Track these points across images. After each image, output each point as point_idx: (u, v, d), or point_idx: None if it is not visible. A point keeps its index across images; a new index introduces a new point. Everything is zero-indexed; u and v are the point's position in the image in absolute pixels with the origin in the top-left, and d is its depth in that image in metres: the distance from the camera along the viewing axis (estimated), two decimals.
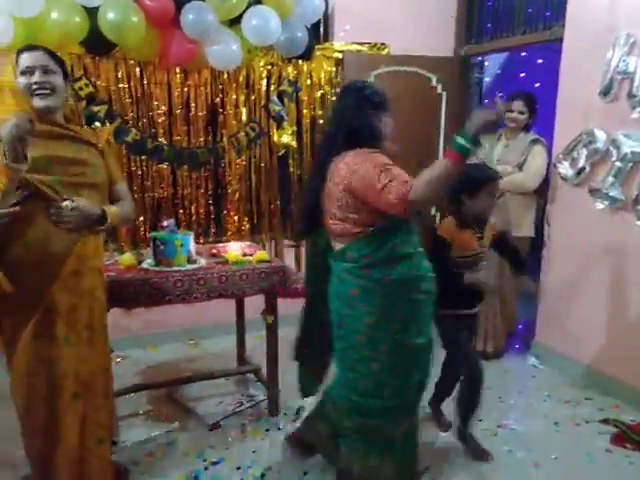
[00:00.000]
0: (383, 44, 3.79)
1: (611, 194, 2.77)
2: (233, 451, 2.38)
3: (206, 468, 2.26)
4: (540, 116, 3.39)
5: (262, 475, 2.21)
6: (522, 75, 5.46)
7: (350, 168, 1.69)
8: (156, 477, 2.19)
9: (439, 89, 3.89)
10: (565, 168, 3.03)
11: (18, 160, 1.53)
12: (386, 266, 1.73)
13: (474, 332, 2.63)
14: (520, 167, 3.19)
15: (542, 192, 3.24)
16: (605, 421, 2.61)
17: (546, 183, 3.22)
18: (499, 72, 5.83)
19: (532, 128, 3.35)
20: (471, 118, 1.52)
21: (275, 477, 2.20)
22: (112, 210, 1.84)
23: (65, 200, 1.69)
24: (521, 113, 3.21)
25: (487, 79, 6.06)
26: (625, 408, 2.75)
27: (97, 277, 1.85)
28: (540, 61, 4.77)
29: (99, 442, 1.84)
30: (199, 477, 2.20)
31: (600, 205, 2.83)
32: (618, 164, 2.70)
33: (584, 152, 2.89)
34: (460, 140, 1.50)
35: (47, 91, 1.69)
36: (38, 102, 1.70)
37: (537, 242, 3.31)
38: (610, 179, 2.75)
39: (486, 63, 5.88)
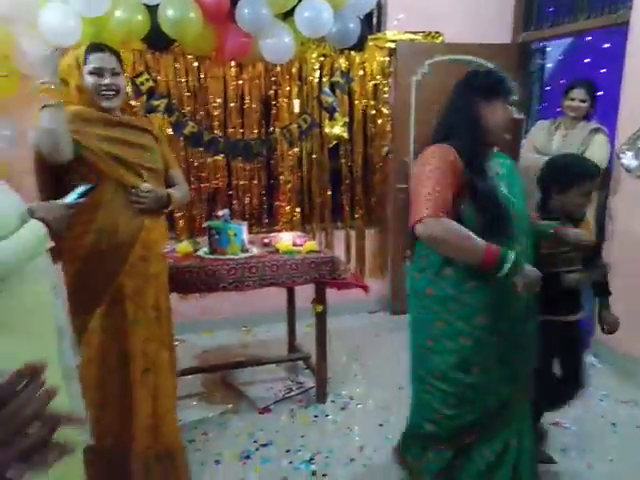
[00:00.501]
0: (437, 32, 3.73)
1: None
2: (282, 435, 2.46)
3: (257, 449, 2.35)
4: (604, 104, 3.23)
5: (310, 459, 2.27)
6: (587, 61, 5.21)
7: (416, 165, 1.64)
8: (210, 455, 2.30)
9: None
10: (628, 159, 2.88)
11: (59, 150, 1.66)
12: (434, 276, 1.63)
13: (577, 342, 2.10)
14: None
15: (601, 184, 3.09)
16: None
17: (607, 175, 3.07)
18: (561, 58, 5.58)
19: (593, 117, 3.19)
20: (525, 274, 1.49)
21: (323, 462, 2.26)
22: (173, 194, 1.95)
23: (144, 182, 1.82)
24: (582, 101, 3.03)
25: (549, 65, 5.83)
26: None
27: (161, 262, 1.97)
28: (606, 46, 4.54)
29: (168, 412, 1.98)
30: (250, 457, 2.29)
31: None
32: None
33: None
34: (508, 261, 1.46)
35: (113, 92, 1.81)
36: (106, 103, 1.81)
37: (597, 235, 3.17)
38: None
39: (548, 49, 5.67)
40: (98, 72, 1.78)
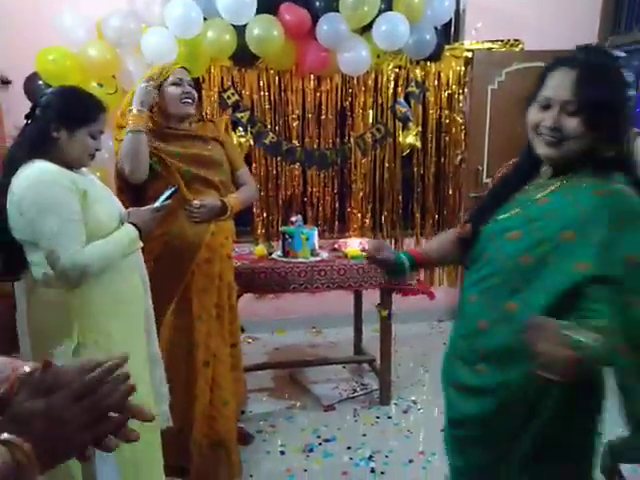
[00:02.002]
0: (517, 40, 3.69)
1: None
2: (345, 432, 2.57)
3: (320, 444, 2.48)
4: None
5: (370, 457, 2.37)
6: None
7: None
8: (275, 445, 2.46)
9: None
10: None
11: (139, 171, 1.90)
12: None
13: None
14: None
15: None
16: None
17: None
18: None
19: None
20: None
21: (382, 460, 2.34)
22: (232, 199, 2.11)
23: (194, 200, 2.00)
24: None
25: None
26: None
27: (225, 262, 2.13)
28: None
29: (224, 404, 2.12)
30: (313, 450, 2.42)
31: None
32: None
33: None
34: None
35: (191, 100, 2.02)
36: (185, 108, 2.01)
37: None
38: None
39: None
40: (179, 82, 1.99)
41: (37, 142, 1.45)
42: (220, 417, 2.09)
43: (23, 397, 0.57)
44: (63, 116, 1.46)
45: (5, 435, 0.53)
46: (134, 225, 1.56)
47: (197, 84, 3.25)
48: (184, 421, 2.07)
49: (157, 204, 1.69)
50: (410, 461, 2.33)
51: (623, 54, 3.44)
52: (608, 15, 3.75)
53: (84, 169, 1.58)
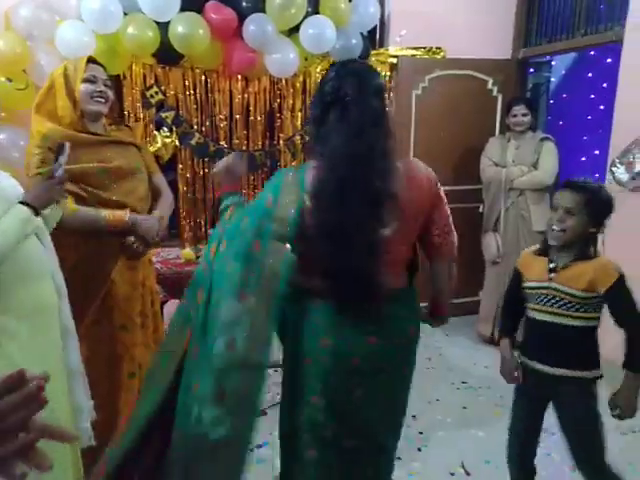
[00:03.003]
0: (439, 48, 3.84)
1: None
2: (276, 436, 2.54)
3: (251, 450, 2.43)
4: (606, 118, 3.37)
5: None
6: (589, 75, 5.30)
7: None
8: None
9: (495, 92, 3.89)
10: (620, 173, 2.97)
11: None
12: None
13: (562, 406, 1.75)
14: (534, 165, 3.32)
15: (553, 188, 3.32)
16: None
17: (557, 181, 3.32)
18: (565, 72, 5.67)
19: (536, 128, 3.55)
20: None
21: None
22: (162, 216, 2.04)
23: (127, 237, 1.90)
24: (524, 115, 3.34)
25: (554, 79, 5.93)
26: None
27: (147, 268, 2.07)
28: (609, 60, 4.62)
29: None
30: None
31: None
32: None
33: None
34: None
35: (103, 99, 1.91)
36: (97, 106, 1.89)
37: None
38: None
39: (553, 63, 5.76)
40: (93, 80, 1.88)
41: None
42: None
43: None
44: None
45: None
46: (26, 204, 1.41)
47: (117, 81, 3.12)
48: (106, 437, 1.97)
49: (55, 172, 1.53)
50: None
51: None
52: (520, 28, 3.99)
53: None
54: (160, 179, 2.20)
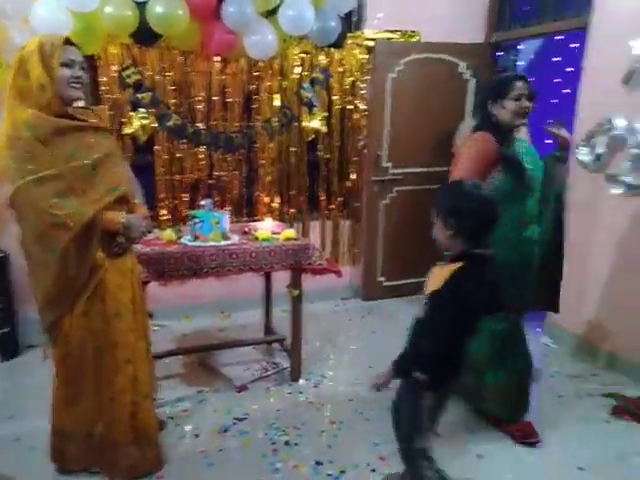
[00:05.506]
0: (414, 31, 3.90)
1: (627, 180, 2.85)
2: (258, 410, 2.64)
3: (234, 423, 2.53)
4: (571, 101, 3.48)
5: (283, 431, 2.47)
6: (556, 59, 5.46)
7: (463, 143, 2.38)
8: (189, 429, 2.47)
9: (467, 75, 3.99)
10: (584, 155, 3.09)
11: None
12: None
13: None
14: None
15: None
16: (608, 395, 2.77)
17: None
18: (533, 57, 5.81)
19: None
20: None
21: (295, 433, 2.45)
22: (143, 210, 2.09)
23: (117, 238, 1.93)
24: None
25: (521, 63, 6.07)
26: (629, 384, 2.90)
27: (133, 255, 2.10)
28: (574, 46, 4.76)
29: (145, 397, 2.10)
30: (228, 430, 2.47)
31: (617, 191, 2.90)
32: (635, 151, 2.76)
33: (604, 139, 2.96)
34: None
35: (80, 85, 1.85)
36: (73, 92, 1.83)
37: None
38: (627, 166, 2.82)
39: (520, 47, 5.89)
40: (70, 64, 1.81)
41: None
42: (142, 411, 2.08)
43: None
44: None
45: None
46: None
47: (92, 61, 3.09)
48: (93, 425, 2.03)
49: None
50: (322, 431, 2.47)
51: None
52: (493, 14, 4.08)
53: None
54: (127, 166, 2.22)
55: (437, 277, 1.65)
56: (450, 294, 1.58)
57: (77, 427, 2.04)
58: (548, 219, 2.34)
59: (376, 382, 1.80)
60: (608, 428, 2.53)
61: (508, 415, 2.43)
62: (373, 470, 2.20)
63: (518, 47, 5.85)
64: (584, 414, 2.63)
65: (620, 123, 2.87)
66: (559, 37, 5.00)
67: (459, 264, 1.62)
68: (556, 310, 2.55)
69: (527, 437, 2.39)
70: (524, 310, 2.41)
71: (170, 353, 2.94)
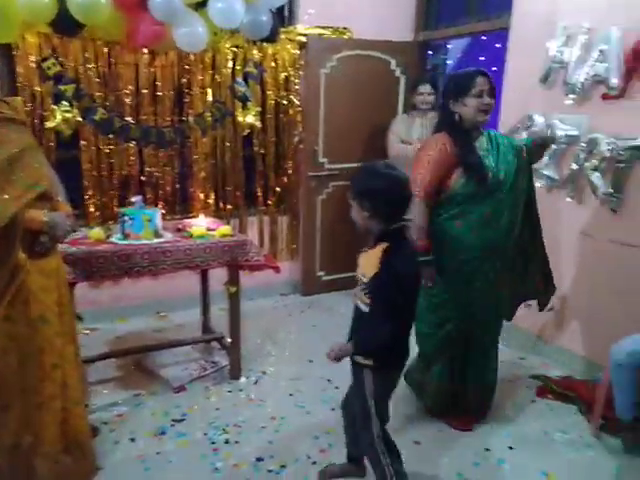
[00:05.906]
0: (345, 28, 3.95)
1: (547, 174, 3.04)
2: (197, 410, 2.59)
3: (172, 425, 2.47)
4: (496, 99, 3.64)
5: (223, 429, 2.43)
6: (482, 59, 5.72)
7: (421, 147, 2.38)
8: (125, 433, 2.39)
9: (397, 72, 4.09)
10: None
11: None
12: None
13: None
14: None
15: None
16: (534, 377, 2.95)
17: None
18: (460, 55, 6.06)
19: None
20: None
21: (236, 431, 2.43)
22: (66, 207, 1.98)
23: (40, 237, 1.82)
24: (430, 94, 3.61)
25: (450, 62, 6.31)
26: (552, 366, 3.09)
27: (59, 256, 2.00)
28: (498, 45, 5.00)
29: (76, 404, 2.01)
30: (166, 432, 2.41)
31: (537, 184, 3.09)
32: (553, 146, 2.95)
33: (525, 135, 3.14)
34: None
35: None
36: None
37: None
38: (546, 160, 2.99)
39: (449, 46, 6.12)
40: None
41: None
42: (73, 418, 1.99)
43: None
44: None
45: None
46: None
47: (8, 51, 2.89)
48: (20, 436, 1.91)
49: None
50: (263, 427, 2.46)
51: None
52: (420, 13, 4.20)
53: None
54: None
55: (369, 262, 1.68)
56: (387, 275, 1.62)
57: (2, 439, 1.91)
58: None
59: (338, 352, 1.71)
60: (534, 407, 2.69)
61: (443, 411, 2.50)
62: (314, 462, 2.21)
63: (447, 46, 6.10)
64: (514, 396, 2.77)
65: (539, 120, 3.06)
66: (484, 37, 5.26)
67: (385, 245, 1.65)
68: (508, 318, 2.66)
69: (464, 426, 2.47)
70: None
71: (103, 356, 2.82)
